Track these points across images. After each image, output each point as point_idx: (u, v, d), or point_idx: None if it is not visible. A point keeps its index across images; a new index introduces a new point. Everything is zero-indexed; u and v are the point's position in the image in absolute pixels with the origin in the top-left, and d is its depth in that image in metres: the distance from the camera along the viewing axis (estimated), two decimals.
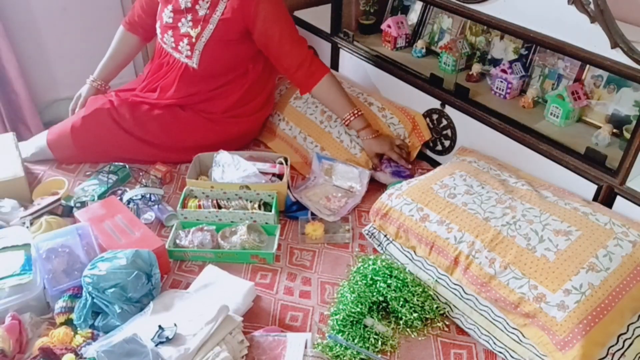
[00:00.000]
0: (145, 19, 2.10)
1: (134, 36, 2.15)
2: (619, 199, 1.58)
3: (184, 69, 2.00)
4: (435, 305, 1.51)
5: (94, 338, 1.36)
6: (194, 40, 1.93)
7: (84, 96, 2.14)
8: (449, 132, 2.06)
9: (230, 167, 1.88)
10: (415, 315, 1.46)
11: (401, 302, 1.47)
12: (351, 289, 1.50)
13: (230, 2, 1.88)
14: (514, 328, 1.40)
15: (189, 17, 1.92)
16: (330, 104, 2.02)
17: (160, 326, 1.29)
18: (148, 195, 1.85)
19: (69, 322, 1.41)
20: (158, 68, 2.09)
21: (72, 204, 1.78)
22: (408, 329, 1.47)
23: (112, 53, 2.17)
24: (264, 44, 1.95)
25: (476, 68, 2.06)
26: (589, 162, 1.63)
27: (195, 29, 1.91)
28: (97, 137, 2.00)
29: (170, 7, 1.95)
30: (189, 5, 1.91)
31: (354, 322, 1.45)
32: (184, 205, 1.79)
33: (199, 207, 1.79)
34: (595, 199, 1.63)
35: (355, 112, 1.98)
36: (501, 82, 1.94)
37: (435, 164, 2.11)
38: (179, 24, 1.94)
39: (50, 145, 2.02)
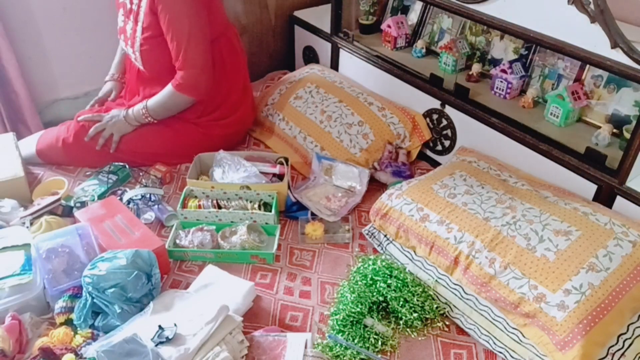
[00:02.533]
0: None
1: None
2: (619, 199, 1.58)
3: (137, 72, 2.00)
4: (435, 305, 1.51)
5: (94, 338, 1.36)
6: (129, 38, 1.90)
7: (105, 91, 2.17)
8: (449, 132, 2.06)
9: (231, 167, 1.88)
10: (415, 315, 1.46)
11: (401, 302, 1.47)
12: (351, 289, 1.50)
13: None
14: (514, 328, 1.40)
15: (131, 16, 1.88)
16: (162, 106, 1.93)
17: (160, 326, 1.29)
18: (148, 195, 1.84)
19: (69, 322, 1.41)
20: (128, 72, 2.11)
21: (72, 204, 1.78)
22: (408, 329, 1.47)
23: (120, 51, 2.21)
24: (165, 33, 1.82)
25: (476, 68, 2.06)
26: (589, 162, 1.63)
27: (131, 26, 1.88)
28: (88, 148, 2.00)
29: (121, 10, 1.93)
30: (127, 3, 1.88)
31: (354, 322, 1.45)
32: (184, 205, 1.79)
33: (199, 207, 1.79)
34: (595, 199, 1.63)
35: (146, 109, 1.93)
36: (501, 82, 1.94)
37: (435, 164, 2.11)
38: (126, 26, 1.92)
39: (40, 155, 2.03)
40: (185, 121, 2.02)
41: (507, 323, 1.41)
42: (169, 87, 1.89)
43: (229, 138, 2.14)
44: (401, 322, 1.48)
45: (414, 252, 1.63)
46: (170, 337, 1.27)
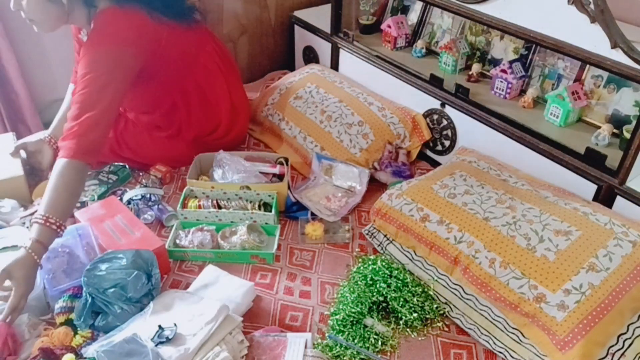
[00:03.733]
0: None
1: None
2: (619, 199, 1.58)
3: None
4: (435, 305, 1.51)
5: (94, 338, 1.35)
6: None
7: (33, 143, 1.89)
8: (449, 132, 2.06)
9: (231, 168, 1.88)
10: (415, 315, 1.46)
11: (401, 302, 1.47)
12: (351, 289, 1.50)
13: None
14: (514, 328, 1.40)
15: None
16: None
17: (160, 326, 1.29)
18: (148, 195, 1.85)
19: (69, 322, 1.40)
20: None
21: None
22: (408, 329, 1.47)
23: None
24: None
25: (476, 68, 2.06)
26: (589, 162, 1.63)
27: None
28: None
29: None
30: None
31: (354, 322, 1.45)
32: (184, 205, 1.79)
33: (199, 207, 1.79)
34: (595, 199, 1.63)
35: (47, 218, 1.41)
36: (501, 82, 1.94)
37: (435, 164, 2.11)
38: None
39: None
40: (185, 139, 2.01)
41: (507, 323, 1.41)
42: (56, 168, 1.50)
43: (229, 148, 2.11)
44: (401, 322, 1.48)
45: (414, 252, 1.63)
46: (170, 337, 1.27)
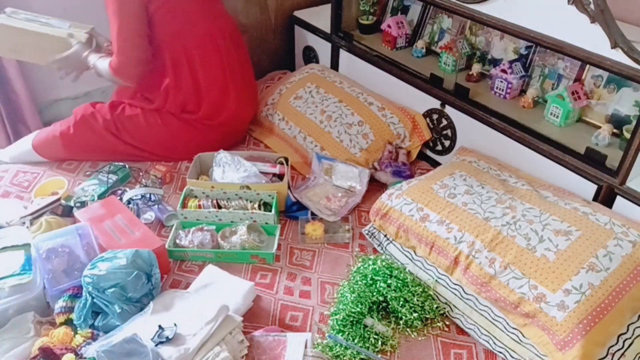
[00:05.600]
0: None
1: None
2: (619, 199, 1.58)
3: None
4: (435, 305, 1.51)
5: (94, 338, 1.35)
6: None
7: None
8: (449, 132, 2.06)
9: (231, 167, 1.88)
10: (415, 315, 1.46)
11: (401, 302, 1.47)
12: (351, 289, 1.50)
13: None
14: (514, 328, 1.40)
15: None
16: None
17: (160, 326, 1.29)
18: (148, 195, 1.85)
19: (69, 322, 1.41)
20: None
21: (72, 204, 1.78)
22: (408, 329, 1.47)
23: None
24: None
25: (476, 68, 2.06)
26: (589, 162, 1.63)
27: None
28: (89, 141, 2.02)
29: None
30: None
31: (354, 322, 1.45)
32: (184, 205, 1.79)
33: (199, 207, 1.79)
34: (595, 199, 1.63)
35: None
36: (501, 82, 1.94)
37: (435, 164, 2.11)
38: None
39: (37, 149, 2.04)
40: (178, 118, 2.04)
41: (507, 323, 1.41)
42: (107, 63, 1.93)
43: (226, 137, 2.15)
44: (401, 322, 1.48)
45: (414, 252, 1.63)
46: (170, 337, 1.27)
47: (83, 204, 1.77)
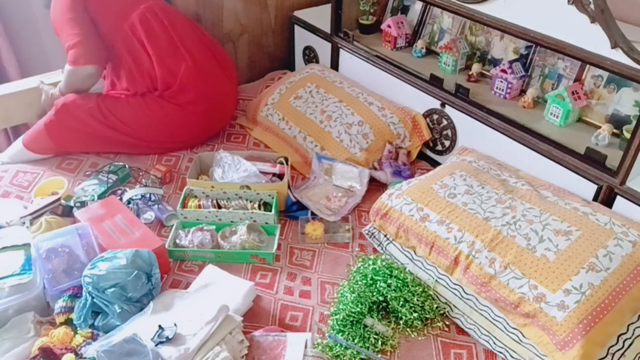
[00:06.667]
0: None
1: None
2: (619, 199, 1.58)
3: None
4: (435, 305, 1.51)
5: (94, 338, 1.35)
6: None
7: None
8: (449, 132, 2.06)
9: (231, 167, 1.88)
10: (415, 315, 1.46)
11: (401, 302, 1.47)
12: (351, 289, 1.50)
13: None
14: (514, 328, 1.40)
15: None
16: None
17: (160, 326, 1.29)
18: (148, 195, 1.85)
19: (69, 322, 1.41)
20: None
21: (72, 204, 1.78)
22: (408, 329, 1.47)
23: None
24: None
25: (476, 68, 2.06)
26: (589, 162, 1.63)
27: None
28: (73, 129, 2.02)
29: None
30: None
31: (354, 322, 1.45)
32: (184, 205, 1.79)
33: (199, 207, 1.79)
34: (595, 199, 1.63)
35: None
36: (501, 82, 1.94)
37: (435, 164, 2.11)
38: None
39: (27, 145, 2.04)
40: (160, 98, 2.07)
41: (507, 323, 1.41)
42: (66, 67, 1.99)
43: (209, 119, 2.16)
44: (401, 322, 1.48)
45: (414, 252, 1.63)
46: (170, 337, 1.27)
47: (83, 204, 1.77)
